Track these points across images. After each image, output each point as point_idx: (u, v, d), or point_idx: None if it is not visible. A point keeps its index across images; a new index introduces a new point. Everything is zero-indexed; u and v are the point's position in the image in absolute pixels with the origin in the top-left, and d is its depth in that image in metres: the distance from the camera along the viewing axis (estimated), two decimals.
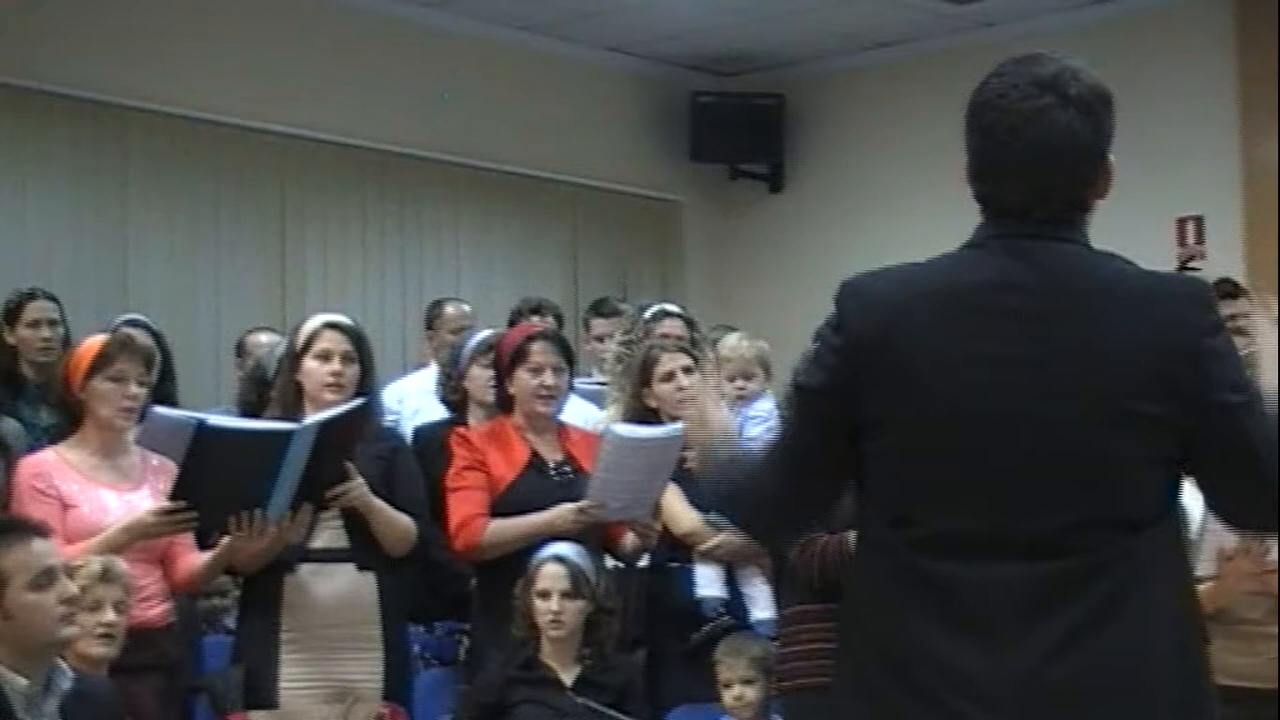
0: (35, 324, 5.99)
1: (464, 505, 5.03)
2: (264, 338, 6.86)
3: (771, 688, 4.71)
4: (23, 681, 3.60)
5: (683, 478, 5.18)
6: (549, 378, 5.15)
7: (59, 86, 8.35)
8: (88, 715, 3.73)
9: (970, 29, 9.95)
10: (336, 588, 4.80)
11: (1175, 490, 2.47)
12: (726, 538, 5.26)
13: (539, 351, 5.17)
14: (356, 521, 4.79)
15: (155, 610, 4.60)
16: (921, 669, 2.41)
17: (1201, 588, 3.24)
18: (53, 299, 6.13)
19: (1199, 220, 9.51)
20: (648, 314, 6.24)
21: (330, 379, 4.83)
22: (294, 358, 4.93)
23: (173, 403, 5.68)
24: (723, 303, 10.43)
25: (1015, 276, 2.44)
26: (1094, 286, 2.44)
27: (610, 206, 10.71)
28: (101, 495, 4.62)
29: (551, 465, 5.15)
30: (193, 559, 4.72)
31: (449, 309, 7.35)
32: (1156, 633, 2.39)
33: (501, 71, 10.05)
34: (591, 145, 10.50)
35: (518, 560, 4.92)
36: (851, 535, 4.09)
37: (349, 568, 4.82)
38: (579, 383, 5.86)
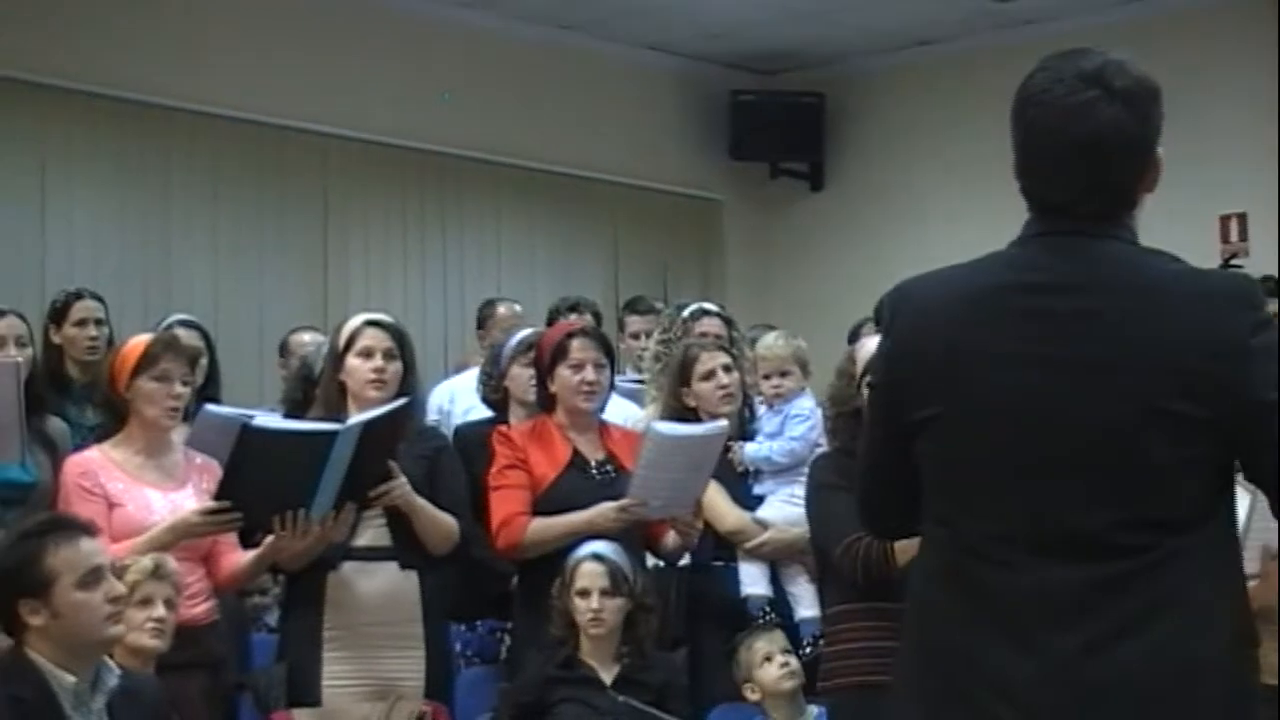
0: (82, 323, 6.03)
1: (506, 504, 5.04)
2: (307, 337, 6.90)
3: (819, 687, 4.70)
4: (70, 679, 3.62)
5: (725, 475, 5.20)
6: (590, 373, 5.15)
7: (103, 88, 8.41)
8: (134, 712, 3.75)
9: (1011, 26, 9.93)
10: (379, 586, 4.81)
11: (1222, 491, 2.44)
12: (773, 535, 5.27)
13: (579, 348, 5.18)
14: (399, 520, 4.80)
15: (199, 608, 4.63)
16: (961, 671, 2.41)
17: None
18: (99, 299, 6.16)
19: (1242, 217, 9.47)
20: (686, 313, 6.24)
21: (373, 376, 4.85)
22: (336, 357, 4.95)
23: (216, 404, 5.71)
24: (763, 301, 10.43)
25: (1058, 275, 2.43)
26: (1139, 285, 2.42)
27: (651, 205, 10.72)
28: (146, 494, 4.65)
29: (593, 464, 5.15)
30: (236, 557, 4.74)
31: (501, 309, 7.37)
32: (1201, 635, 2.37)
33: (543, 71, 10.07)
34: (632, 144, 10.51)
35: (559, 558, 4.92)
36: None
37: (392, 566, 4.83)
38: (619, 380, 5.86)
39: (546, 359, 5.22)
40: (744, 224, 11.19)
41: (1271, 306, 2.51)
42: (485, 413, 5.88)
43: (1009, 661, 2.37)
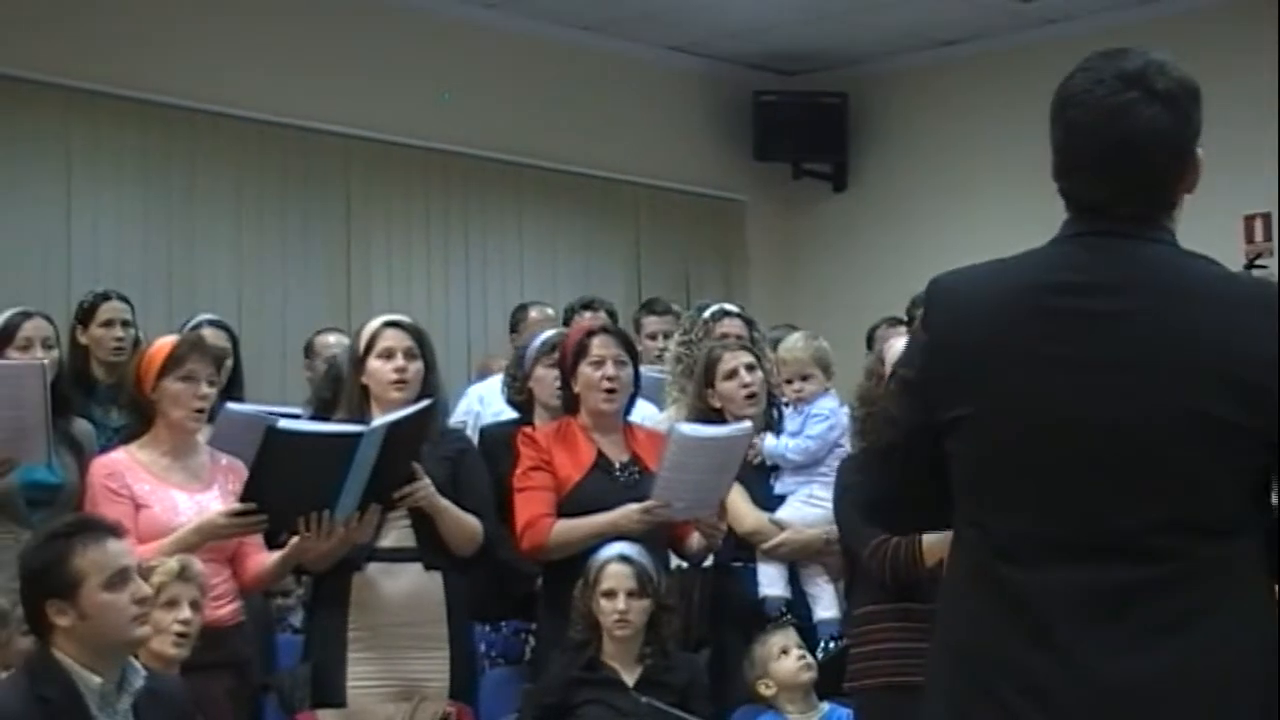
0: (109, 324, 6.04)
1: (530, 505, 5.05)
2: (332, 338, 6.92)
3: (846, 687, 4.71)
4: (96, 680, 3.63)
5: (746, 476, 5.20)
6: (610, 369, 5.16)
7: (128, 90, 8.43)
8: (160, 713, 3.75)
9: (1034, 26, 9.91)
10: (403, 587, 4.83)
11: (1257, 498, 2.42)
12: (790, 536, 5.27)
13: (600, 345, 5.19)
14: (424, 521, 4.81)
15: (225, 609, 4.64)
16: (991, 672, 2.40)
17: None
18: (126, 301, 6.18)
19: (1266, 217, 9.44)
20: (707, 314, 6.24)
21: (395, 376, 4.87)
22: (357, 360, 4.96)
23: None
24: (786, 302, 10.42)
25: (1095, 276, 2.42)
26: (1178, 288, 2.41)
27: (673, 206, 10.72)
28: (173, 495, 4.67)
29: (617, 465, 5.16)
30: (261, 558, 4.76)
31: (533, 312, 7.38)
32: (1233, 643, 2.36)
33: (565, 72, 10.08)
34: (655, 145, 10.51)
35: (584, 560, 4.92)
36: (924, 537, 4.12)
37: (416, 567, 4.84)
38: (643, 370, 5.85)
39: (569, 359, 5.24)
40: (767, 225, 11.18)
41: None
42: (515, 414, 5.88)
43: (1040, 664, 2.36)
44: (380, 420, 4.58)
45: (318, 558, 4.70)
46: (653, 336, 6.81)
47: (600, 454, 5.15)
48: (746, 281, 10.85)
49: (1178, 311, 2.39)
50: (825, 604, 5.27)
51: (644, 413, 5.80)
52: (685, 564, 5.35)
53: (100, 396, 5.86)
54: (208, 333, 5.81)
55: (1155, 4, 9.69)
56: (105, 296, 6.15)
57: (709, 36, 10.36)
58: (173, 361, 4.71)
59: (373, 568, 4.82)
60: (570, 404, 5.26)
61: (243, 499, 4.50)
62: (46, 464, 5.04)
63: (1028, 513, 2.41)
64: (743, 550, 5.30)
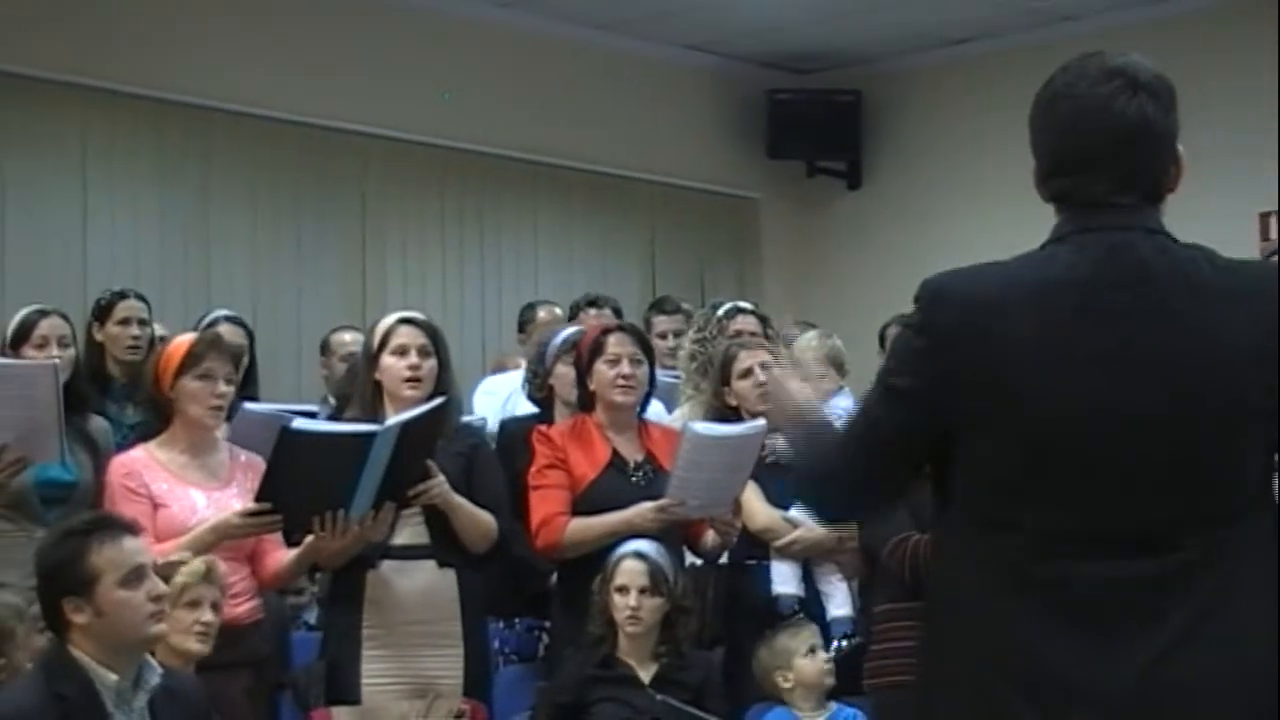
0: (125, 322, 6.05)
1: (545, 504, 5.05)
2: (348, 336, 6.93)
3: (865, 685, 4.71)
4: (112, 677, 3.64)
5: (760, 474, 5.20)
6: (626, 367, 5.17)
7: (144, 89, 8.45)
8: (175, 710, 3.76)
9: (1050, 24, 9.89)
10: (417, 584, 4.83)
11: (1268, 482, 2.46)
12: (803, 534, 5.27)
13: (616, 343, 5.20)
14: (438, 518, 4.82)
15: (243, 607, 4.65)
16: (1029, 671, 2.39)
17: None
18: (143, 299, 6.20)
19: None
20: (721, 312, 6.24)
21: (408, 373, 4.87)
22: (371, 356, 4.96)
23: (254, 402, 5.73)
24: (800, 300, 10.42)
25: (1109, 272, 2.43)
26: (1187, 279, 2.43)
27: (688, 204, 10.72)
28: (191, 494, 4.68)
29: (632, 464, 5.16)
30: (279, 556, 4.77)
31: (541, 313, 7.38)
32: (1265, 626, 2.39)
33: (579, 70, 10.08)
34: (669, 143, 10.51)
35: (598, 557, 4.93)
36: None
37: (430, 564, 4.85)
38: (659, 374, 5.85)
39: (585, 357, 5.24)
40: (781, 223, 11.18)
41: None
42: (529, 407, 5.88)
43: (1084, 662, 2.36)
44: (394, 419, 4.58)
45: (332, 556, 4.71)
46: (662, 336, 6.79)
47: (615, 452, 5.15)
48: (761, 279, 10.85)
49: (1192, 303, 2.41)
50: (838, 602, 5.27)
51: (655, 414, 5.80)
52: (699, 561, 5.36)
53: (116, 394, 5.88)
54: (224, 329, 5.82)
55: (1171, 3, 9.67)
56: (122, 295, 6.17)
57: (723, 35, 10.36)
58: (191, 360, 4.73)
59: (386, 565, 4.82)
60: (586, 401, 5.26)
61: (258, 499, 4.51)
62: (60, 462, 5.06)
63: (1059, 510, 2.41)
64: (756, 548, 5.30)
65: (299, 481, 4.48)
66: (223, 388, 4.76)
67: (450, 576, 4.86)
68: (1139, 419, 2.38)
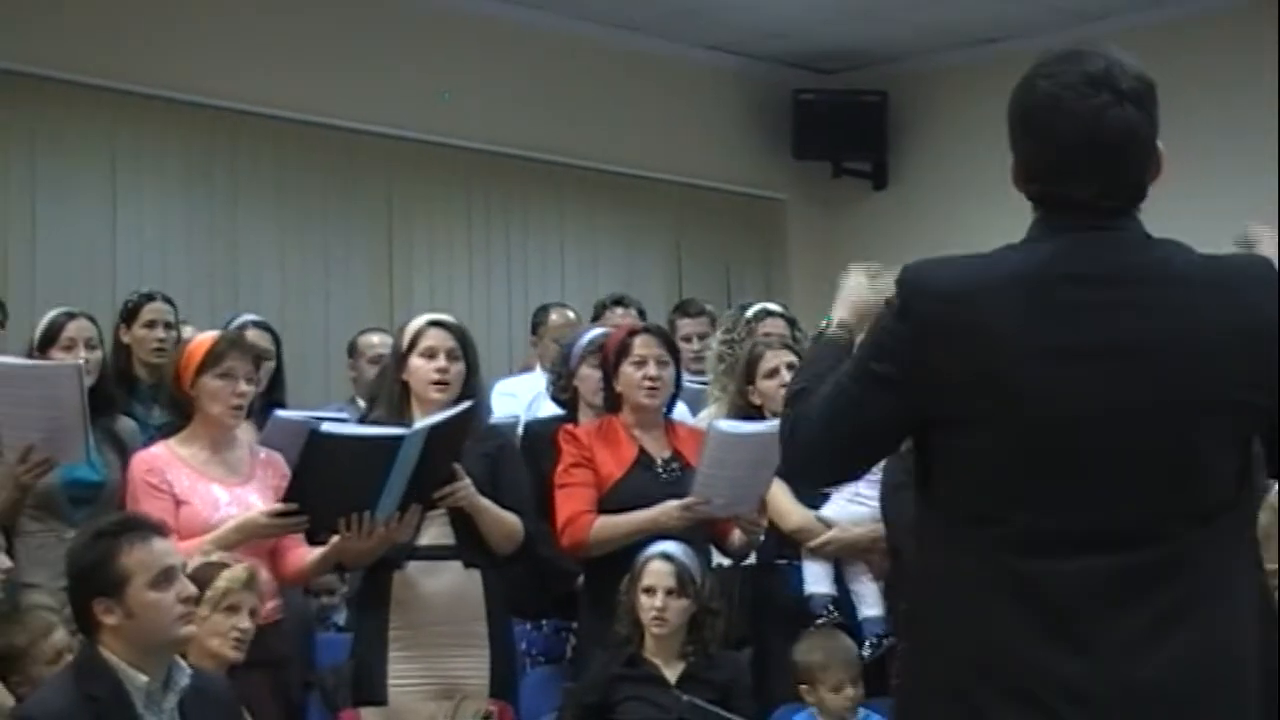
0: (151, 324, 6.07)
1: (571, 502, 5.06)
2: (375, 338, 6.94)
3: (892, 685, 4.69)
4: (142, 678, 3.65)
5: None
6: (653, 369, 5.17)
7: (172, 92, 8.48)
8: (205, 711, 3.77)
9: (1077, 23, 9.85)
10: (443, 585, 4.84)
11: (1245, 474, 2.45)
12: (836, 534, 5.27)
13: (642, 344, 5.20)
14: (463, 519, 4.82)
15: (264, 608, 4.65)
16: (1011, 668, 2.38)
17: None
18: (170, 302, 6.22)
19: None
20: (749, 313, 6.24)
21: (436, 376, 4.87)
22: (400, 357, 4.97)
23: (282, 408, 5.74)
24: (826, 301, 10.29)
25: (1091, 267, 2.44)
26: (1168, 274, 2.44)
27: (713, 205, 10.72)
28: (212, 490, 4.69)
29: (659, 462, 5.17)
30: (302, 553, 4.76)
31: (554, 315, 7.37)
32: (1241, 621, 2.40)
33: (604, 71, 10.09)
34: (694, 144, 10.51)
35: (625, 558, 4.93)
36: None
37: (455, 565, 4.85)
38: (685, 380, 5.85)
39: (611, 358, 5.25)
40: (807, 224, 11.17)
41: None
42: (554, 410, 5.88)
43: (1066, 659, 2.36)
44: (422, 423, 4.58)
45: (357, 557, 4.71)
46: (687, 339, 6.76)
47: (642, 450, 5.16)
48: (786, 280, 10.84)
49: (1175, 298, 2.42)
50: (870, 602, 5.27)
51: (678, 416, 5.80)
52: (726, 561, 5.36)
53: (142, 395, 5.90)
54: (251, 334, 5.82)
55: (1195, 2, 9.63)
56: (149, 297, 6.19)
57: (749, 35, 10.35)
58: (211, 358, 4.74)
59: (413, 566, 4.83)
60: (612, 403, 5.27)
61: (285, 499, 4.52)
62: (86, 463, 5.08)
63: (1042, 506, 2.40)
64: (786, 548, 5.30)
65: (326, 483, 4.49)
66: (243, 386, 4.77)
67: (476, 578, 4.87)
68: (1120, 413, 2.38)
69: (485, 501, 4.82)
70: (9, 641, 4.30)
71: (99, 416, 5.13)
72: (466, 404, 4.73)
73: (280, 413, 5.49)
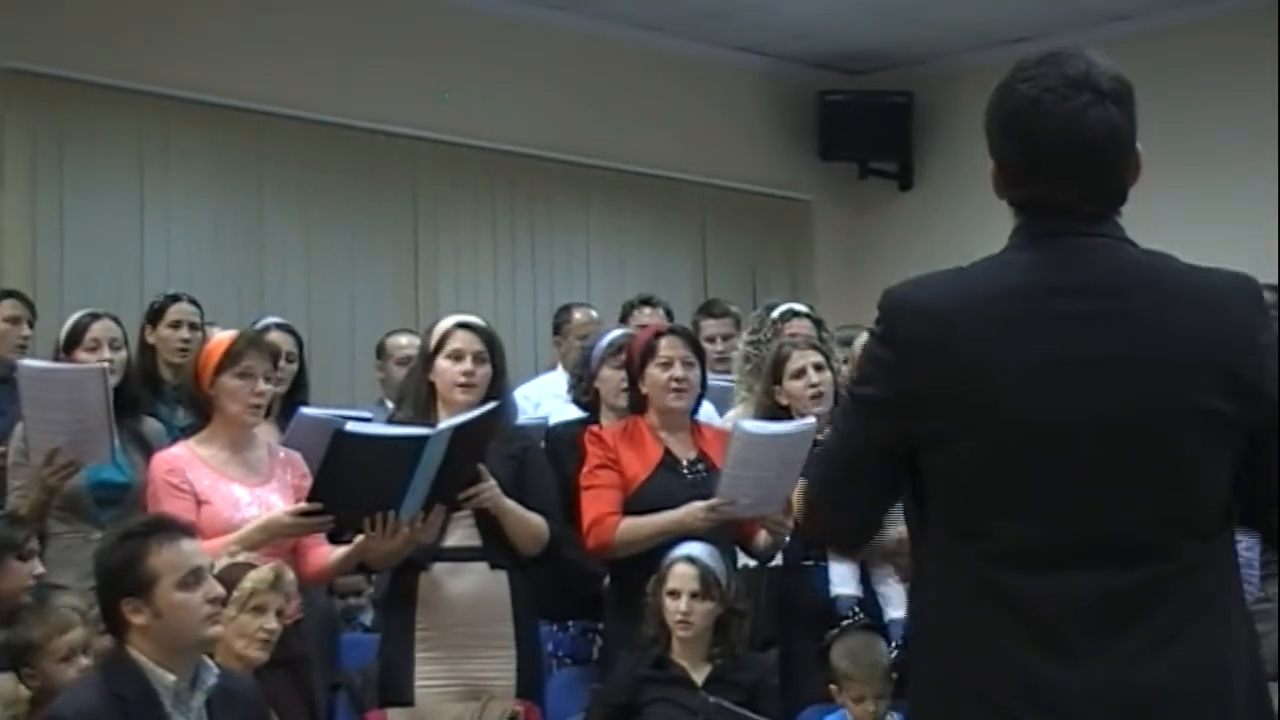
0: (176, 325, 6.08)
1: (596, 504, 5.06)
2: (404, 339, 6.95)
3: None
4: (170, 678, 3.67)
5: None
6: (679, 370, 5.17)
7: (198, 94, 8.51)
8: (232, 711, 3.79)
9: (1103, 23, 9.84)
10: (469, 586, 4.84)
11: (1233, 491, 2.43)
12: None
13: (668, 345, 5.20)
14: (489, 520, 4.82)
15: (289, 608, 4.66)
16: (1001, 685, 2.35)
17: None
18: (194, 303, 6.24)
19: None
20: (776, 314, 6.24)
21: (462, 379, 4.87)
22: (427, 358, 4.98)
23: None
24: (852, 302, 10.36)
25: (1074, 277, 2.41)
26: (1154, 285, 2.42)
27: (739, 206, 10.71)
28: (233, 490, 4.69)
29: (684, 463, 5.16)
30: (323, 552, 4.76)
31: (577, 314, 7.38)
32: (1231, 637, 2.38)
33: (630, 72, 10.10)
34: (720, 145, 10.51)
35: (651, 559, 4.93)
36: None
37: (481, 566, 4.85)
38: (711, 379, 5.84)
39: (636, 360, 5.25)
40: (833, 224, 11.16)
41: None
42: (562, 417, 5.89)
43: (1055, 675, 2.33)
44: (446, 423, 4.58)
45: (382, 557, 4.71)
46: (711, 339, 6.74)
47: (667, 452, 5.16)
48: (813, 281, 10.83)
49: (1165, 307, 2.40)
50: (896, 604, 5.25)
51: (705, 415, 5.80)
52: (752, 563, 5.35)
53: (167, 396, 5.90)
54: (273, 336, 5.83)
55: (1222, 1, 9.59)
56: (175, 298, 6.20)
57: (774, 36, 10.35)
58: (230, 358, 4.74)
59: (439, 567, 4.83)
60: (637, 404, 5.26)
61: (309, 499, 4.52)
62: (112, 464, 5.10)
63: (1029, 520, 2.37)
64: (812, 549, 5.29)
65: (351, 483, 4.48)
66: (262, 385, 4.78)
67: (502, 578, 4.87)
68: (1105, 425, 2.35)
69: (510, 503, 4.82)
70: (26, 634, 4.32)
71: (124, 418, 5.15)
72: (491, 405, 4.73)
73: (306, 410, 5.50)
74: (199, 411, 4.86)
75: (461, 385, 4.87)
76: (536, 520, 4.89)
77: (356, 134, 9.07)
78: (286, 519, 4.55)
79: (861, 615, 5.18)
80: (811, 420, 5.11)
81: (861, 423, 2.51)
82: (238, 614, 4.13)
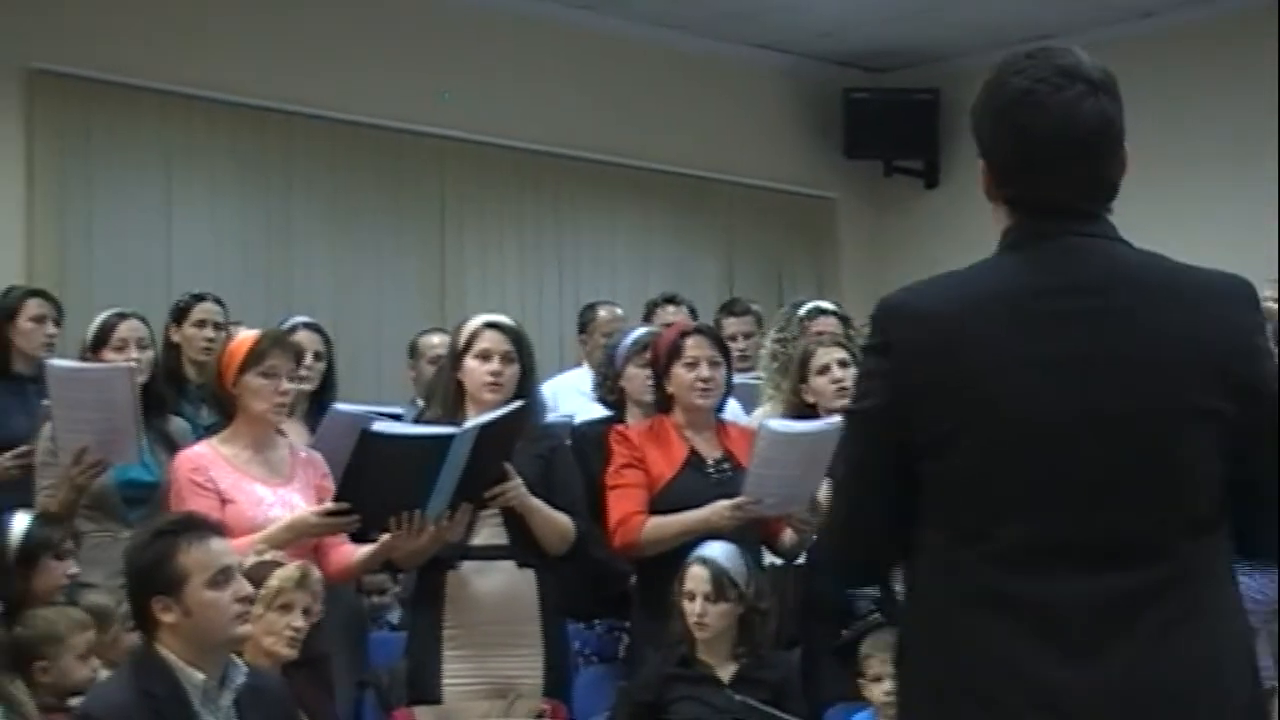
0: (201, 324, 6.11)
1: (623, 503, 5.06)
2: (436, 339, 6.95)
3: None
4: (199, 676, 3.68)
5: None
6: (705, 370, 5.17)
7: (226, 94, 8.54)
8: (261, 709, 3.79)
9: (1128, 20, 9.81)
10: (497, 585, 4.84)
11: (1228, 490, 2.42)
12: None
13: (694, 345, 5.20)
14: (516, 519, 4.82)
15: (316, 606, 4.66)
16: (1001, 685, 2.35)
17: None
18: (219, 303, 6.26)
19: None
20: (802, 311, 6.24)
21: (490, 379, 4.88)
22: (455, 357, 4.99)
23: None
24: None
25: (1068, 277, 2.41)
26: (1149, 284, 2.41)
27: (765, 204, 10.71)
28: (256, 489, 4.70)
29: (710, 463, 5.16)
30: (347, 550, 4.77)
31: (602, 312, 7.38)
32: (1229, 635, 2.38)
33: (656, 71, 10.10)
34: (746, 143, 10.51)
35: (677, 558, 4.93)
36: None
37: (509, 565, 4.86)
38: (737, 378, 5.84)
39: (662, 360, 5.24)
40: (858, 222, 11.15)
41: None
42: (587, 414, 5.89)
43: (1051, 672, 2.32)
44: (472, 422, 4.59)
45: (408, 556, 4.72)
46: (732, 338, 6.72)
47: (693, 451, 5.16)
48: (838, 279, 10.82)
49: (1164, 307, 2.39)
50: None
51: (731, 413, 5.79)
52: (778, 562, 5.35)
53: (191, 395, 5.92)
54: (301, 335, 5.84)
55: None
56: (200, 297, 6.23)
57: (799, 34, 10.34)
58: (254, 357, 4.75)
59: (466, 566, 4.84)
60: (663, 403, 5.27)
61: (336, 498, 4.53)
62: (140, 463, 5.11)
63: (1029, 521, 2.36)
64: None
65: (377, 482, 4.49)
66: (286, 384, 4.79)
67: (530, 577, 4.87)
68: (1104, 425, 2.35)
69: (537, 502, 4.82)
70: (50, 625, 4.34)
71: (151, 417, 5.17)
72: (518, 403, 4.73)
73: (338, 406, 5.51)
74: (222, 410, 4.88)
75: (489, 385, 4.87)
76: (563, 519, 4.89)
77: (383, 133, 9.09)
78: (313, 518, 4.56)
79: (878, 613, 5.17)
80: (837, 419, 5.10)
81: (863, 434, 2.51)
82: (265, 612, 4.14)
